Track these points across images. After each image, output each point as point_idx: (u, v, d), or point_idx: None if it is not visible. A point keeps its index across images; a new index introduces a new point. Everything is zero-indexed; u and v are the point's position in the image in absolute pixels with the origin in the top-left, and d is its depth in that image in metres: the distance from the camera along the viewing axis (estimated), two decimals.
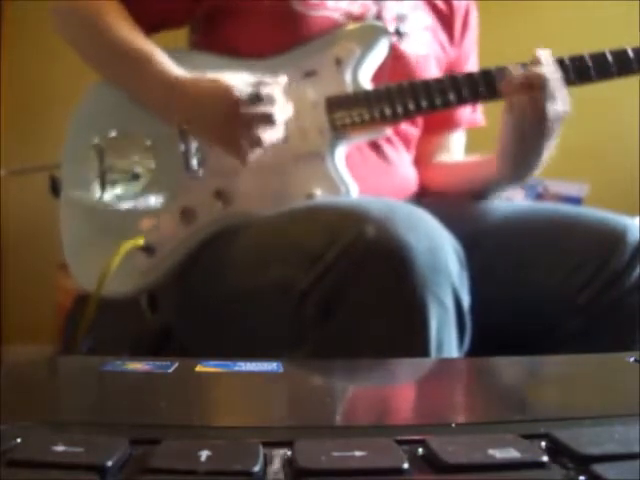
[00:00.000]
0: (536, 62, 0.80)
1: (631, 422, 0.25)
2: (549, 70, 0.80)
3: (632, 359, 0.37)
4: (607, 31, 1.26)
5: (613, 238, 0.82)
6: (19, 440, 0.23)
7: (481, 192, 0.97)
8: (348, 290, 0.69)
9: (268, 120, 0.80)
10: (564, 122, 0.82)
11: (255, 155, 0.82)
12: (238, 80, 0.81)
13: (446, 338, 0.69)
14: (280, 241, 0.78)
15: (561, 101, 0.80)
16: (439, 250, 0.69)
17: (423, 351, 0.67)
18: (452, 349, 0.70)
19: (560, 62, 0.82)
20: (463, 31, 1.03)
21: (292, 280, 0.73)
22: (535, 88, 0.79)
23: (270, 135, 0.81)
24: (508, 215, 0.92)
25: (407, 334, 0.69)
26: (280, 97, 0.82)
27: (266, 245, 0.80)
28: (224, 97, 0.80)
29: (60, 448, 0.21)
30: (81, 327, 0.82)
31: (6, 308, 1.94)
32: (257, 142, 0.81)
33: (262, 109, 0.80)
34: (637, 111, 1.81)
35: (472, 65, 1.04)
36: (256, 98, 0.80)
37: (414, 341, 0.68)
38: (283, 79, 0.83)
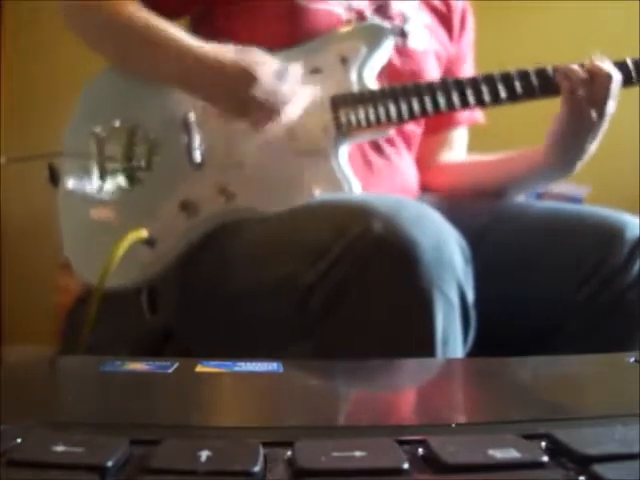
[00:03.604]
0: (594, 62, 0.84)
1: (631, 422, 0.25)
2: (612, 68, 0.83)
3: (632, 359, 0.37)
4: (607, 32, 1.26)
5: (612, 234, 0.82)
6: (19, 440, 0.23)
7: (509, 189, 0.98)
8: (354, 285, 0.70)
9: (284, 101, 0.83)
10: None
11: (270, 126, 0.85)
12: (261, 64, 0.83)
13: (451, 333, 0.69)
14: (287, 236, 0.79)
15: (616, 99, 0.84)
16: (445, 246, 0.70)
17: (429, 346, 0.68)
18: (457, 344, 0.70)
19: (623, 64, 0.85)
20: (461, 30, 1.03)
21: (298, 274, 0.73)
22: (598, 84, 0.82)
23: (286, 112, 0.84)
24: (507, 213, 0.92)
25: (413, 329, 0.69)
26: (298, 82, 0.84)
27: (272, 240, 0.80)
28: (246, 78, 0.82)
29: (60, 448, 0.21)
30: (87, 321, 0.82)
31: (6, 308, 1.94)
32: (272, 117, 0.84)
33: (283, 89, 0.83)
34: (638, 112, 1.81)
35: (469, 66, 1.04)
36: (279, 76, 0.83)
37: (420, 336, 0.68)
38: (299, 70, 0.86)
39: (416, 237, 0.68)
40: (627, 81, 0.85)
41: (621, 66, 0.85)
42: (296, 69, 0.86)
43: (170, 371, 0.34)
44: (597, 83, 0.83)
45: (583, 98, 0.83)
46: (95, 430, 0.25)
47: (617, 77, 0.83)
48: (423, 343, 0.68)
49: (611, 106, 0.84)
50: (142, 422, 0.26)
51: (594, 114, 0.84)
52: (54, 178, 0.96)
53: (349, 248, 0.70)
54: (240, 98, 0.84)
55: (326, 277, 0.71)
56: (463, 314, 0.71)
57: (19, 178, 1.73)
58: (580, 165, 0.91)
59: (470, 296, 0.72)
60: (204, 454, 0.21)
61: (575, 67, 0.84)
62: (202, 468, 0.21)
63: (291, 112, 0.84)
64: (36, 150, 1.05)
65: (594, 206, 0.93)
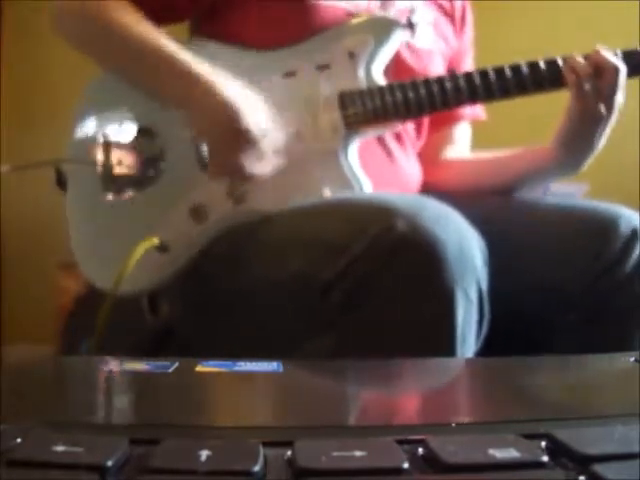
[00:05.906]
0: (600, 53, 0.83)
1: (631, 422, 0.25)
2: (618, 61, 0.82)
3: (632, 359, 0.37)
4: (607, 31, 1.26)
5: (607, 225, 0.83)
6: (19, 440, 0.23)
7: (514, 186, 0.97)
8: (375, 282, 0.70)
9: (259, 159, 0.81)
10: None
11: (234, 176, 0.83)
12: (255, 115, 0.81)
13: (469, 331, 0.70)
14: (304, 232, 0.78)
15: (624, 92, 0.84)
16: (467, 245, 0.70)
17: (449, 344, 0.68)
18: (472, 341, 0.71)
19: (633, 53, 0.84)
20: (462, 25, 1.03)
21: (316, 271, 0.72)
22: (605, 77, 0.82)
23: (257, 169, 0.82)
24: (503, 209, 0.92)
25: (434, 326, 0.69)
26: (277, 149, 0.82)
27: (290, 237, 0.79)
28: (232, 127, 0.80)
29: (60, 448, 0.21)
30: (97, 330, 0.81)
31: (6, 308, 1.94)
32: (241, 171, 0.81)
33: (261, 149, 0.80)
34: (637, 111, 1.81)
35: (468, 63, 1.04)
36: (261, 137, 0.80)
37: (440, 334, 0.69)
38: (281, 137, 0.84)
39: (439, 235, 0.68)
40: (636, 71, 0.84)
41: (628, 56, 0.84)
42: (278, 136, 0.83)
43: (170, 371, 0.34)
44: (604, 76, 0.82)
45: (590, 92, 0.83)
46: (95, 430, 0.25)
47: (623, 68, 0.82)
48: (443, 340, 0.68)
49: (619, 98, 0.83)
50: (142, 422, 0.26)
51: (603, 108, 0.83)
52: (62, 182, 0.95)
53: (371, 246, 0.70)
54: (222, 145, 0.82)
55: (345, 274, 0.70)
56: (479, 312, 0.71)
57: (20, 179, 1.73)
58: (588, 161, 0.91)
59: (486, 295, 0.72)
60: (204, 454, 0.21)
61: (581, 60, 0.83)
62: (202, 468, 0.21)
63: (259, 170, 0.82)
64: (38, 152, 1.05)
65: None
